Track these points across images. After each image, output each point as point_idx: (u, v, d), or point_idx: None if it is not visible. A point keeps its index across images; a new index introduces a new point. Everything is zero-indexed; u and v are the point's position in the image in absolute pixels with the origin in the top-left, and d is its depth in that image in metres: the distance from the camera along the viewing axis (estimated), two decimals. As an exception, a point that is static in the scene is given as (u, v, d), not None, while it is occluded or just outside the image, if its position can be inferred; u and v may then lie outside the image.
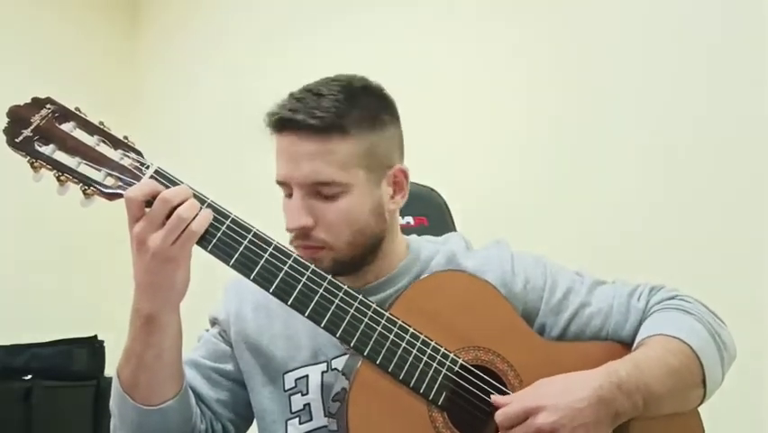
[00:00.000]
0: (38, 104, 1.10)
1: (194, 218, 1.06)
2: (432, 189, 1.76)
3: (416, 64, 2.69)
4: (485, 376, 1.17)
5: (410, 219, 1.66)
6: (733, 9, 2.09)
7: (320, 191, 1.16)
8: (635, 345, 1.22)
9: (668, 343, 1.18)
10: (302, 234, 1.17)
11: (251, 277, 1.11)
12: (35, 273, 3.26)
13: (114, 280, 3.45)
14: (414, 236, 1.36)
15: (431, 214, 1.71)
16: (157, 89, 3.71)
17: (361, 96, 1.19)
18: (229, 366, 1.29)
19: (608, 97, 2.29)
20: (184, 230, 1.05)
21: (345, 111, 1.15)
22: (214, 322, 1.33)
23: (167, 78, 3.68)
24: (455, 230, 1.67)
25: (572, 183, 2.34)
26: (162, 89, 3.69)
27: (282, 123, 1.16)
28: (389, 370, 1.13)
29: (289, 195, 1.19)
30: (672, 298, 1.27)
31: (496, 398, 1.14)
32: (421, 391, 1.14)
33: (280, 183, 1.20)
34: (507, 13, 2.54)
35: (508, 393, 1.17)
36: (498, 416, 1.10)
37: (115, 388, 1.15)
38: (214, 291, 1.36)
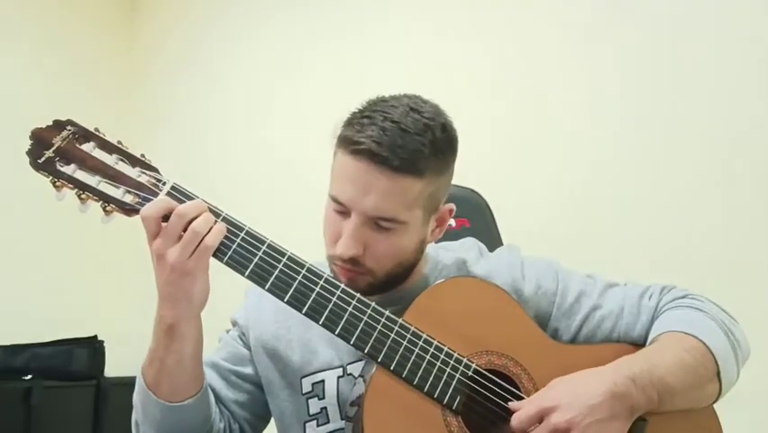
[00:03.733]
0: (59, 126, 1.14)
1: (208, 232, 1.10)
2: (473, 191, 1.74)
3: (449, 64, 2.68)
4: (499, 380, 1.19)
5: (451, 221, 1.63)
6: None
7: (379, 223, 1.18)
8: (648, 343, 1.23)
9: (680, 339, 1.18)
10: (350, 260, 1.18)
11: (266, 287, 1.15)
12: (36, 273, 3.25)
13: (114, 281, 3.46)
14: (431, 245, 1.37)
15: (472, 215, 1.68)
16: (156, 83, 3.69)
17: (441, 141, 1.18)
18: (248, 369, 1.32)
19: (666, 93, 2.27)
20: (199, 244, 1.09)
21: (426, 156, 1.16)
22: (234, 323, 1.37)
23: (166, 72, 3.66)
24: (498, 231, 1.68)
25: (611, 185, 2.31)
26: (162, 83, 3.67)
27: (363, 152, 1.15)
28: (403, 376, 1.15)
29: (341, 212, 1.19)
30: (684, 297, 1.28)
31: (513, 405, 1.14)
32: (435, 396, 1.15)
33: (338, 202, 1.19)
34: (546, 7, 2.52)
35: (524, 398, 1.18)
36: (514, 420, 1.12)
37: (140, 385, 1.21)
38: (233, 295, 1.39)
